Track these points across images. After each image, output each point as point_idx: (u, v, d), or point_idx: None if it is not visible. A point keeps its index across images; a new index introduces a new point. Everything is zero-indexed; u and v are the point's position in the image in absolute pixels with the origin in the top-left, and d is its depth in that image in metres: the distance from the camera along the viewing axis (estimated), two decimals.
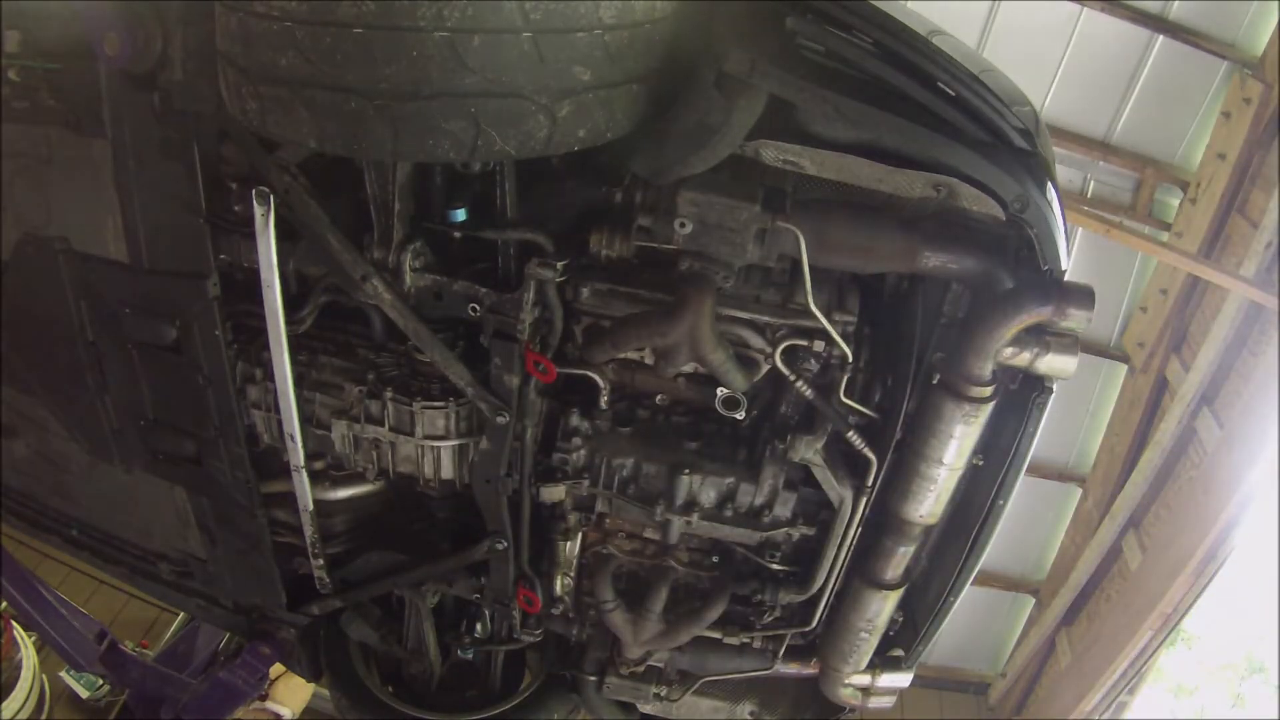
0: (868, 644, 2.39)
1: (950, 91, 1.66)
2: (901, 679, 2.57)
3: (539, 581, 2.44)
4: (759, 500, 2.20)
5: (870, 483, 2.07)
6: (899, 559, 2.20)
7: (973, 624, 7.86)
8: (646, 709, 2.74)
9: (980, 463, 2.06)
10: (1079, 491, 7.40)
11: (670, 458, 2.19)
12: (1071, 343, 1.86)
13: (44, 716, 5.83)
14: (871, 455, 2.04)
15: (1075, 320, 1.80)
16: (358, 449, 2.24)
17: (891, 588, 2.25)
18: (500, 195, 1.90)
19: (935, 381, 1.97)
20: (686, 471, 2.15)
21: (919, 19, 1.85)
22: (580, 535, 2.35)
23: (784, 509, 2.21)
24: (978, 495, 2.11)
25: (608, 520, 2.34)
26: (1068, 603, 7.30)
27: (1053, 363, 1.86)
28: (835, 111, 1.65)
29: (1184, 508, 6.17)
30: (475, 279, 1.99)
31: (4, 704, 5.42)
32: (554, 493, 2.23)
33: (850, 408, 2.04)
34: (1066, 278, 1.83)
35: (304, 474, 2.26)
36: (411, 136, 1.51)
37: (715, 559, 2.39)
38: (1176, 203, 6.22)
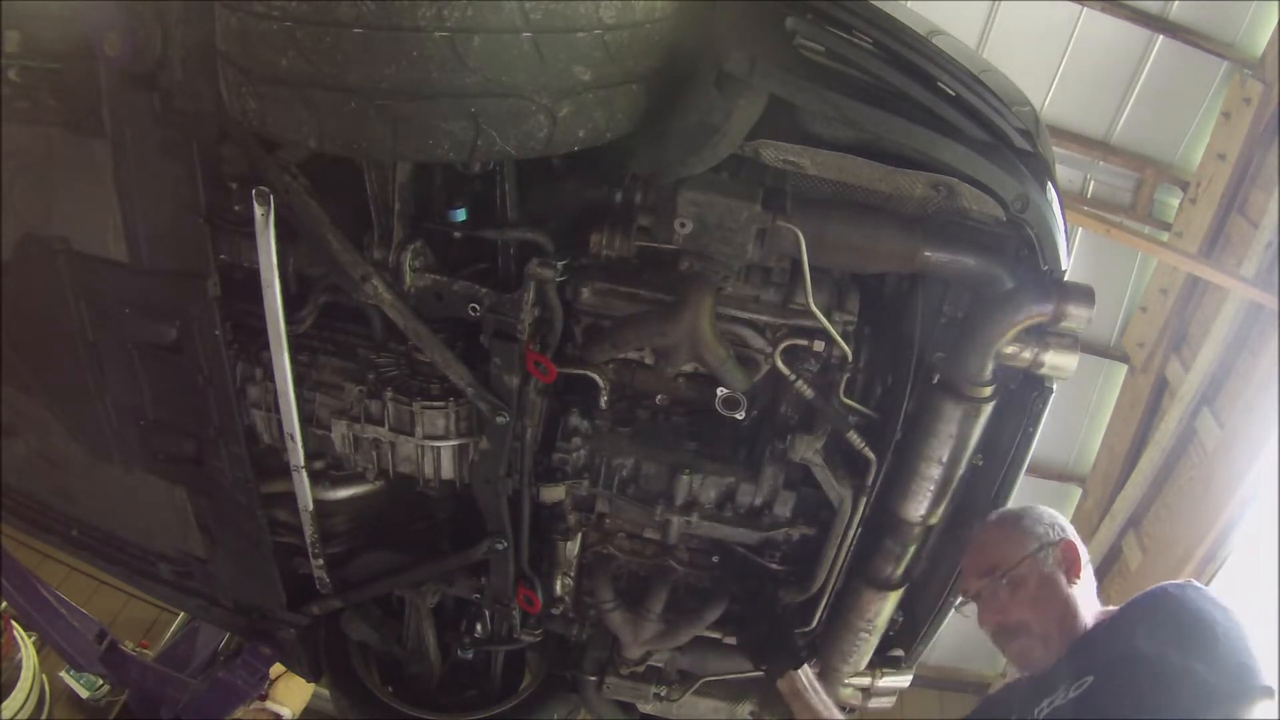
0: (868, 644, 2.39)
1: (950, 91, 1.66)
2: (901, 679, 2.57)
3: (539, 582, 2.43)
4: (759, 500, 2.20)
5: (870, 483, 2.07)
6: (899, 559, 2.20)
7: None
8: (646, 709, 2.74)
9: (980, 463, 2.07)
10: (1079, 491, 7.39)
11: (670, 458, 2.19)
12: (1072, 342, 1.86)
13: (44, 716, 5.82)
14: (871, 455, 2.04)
15: (1075, 320, 1.80)
16: (358, 449, 2.24)
17: (891, 588, 2.25)
18: (500, 195, 1.90)
19: (935, 381, 1.97)
20: (686, 471, 2.15)
21: (919, 19, 1.85)
22: (580, 535, 2.35)
23: (784, 509, 2.21)
24: (978, 495, 2.11)
25: (608, 520, 2.34)
26: None
27: (1053, 362, 1.87)
28: (835, 111, 1.65)
29: (1184, 508, 6.16)
30: (475, 279, 1.99)
31: (4, 704, 5.42)
32: (554, 493, 2.23)
33: (850, 408, 2.04)
34: (1066, 278, 1.83)
35: (304, 474, 2.26)
36: (411, 136, 1.51)
37: (715, 559, 2.39)
38: (1176, 203, 6.21)
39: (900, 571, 2.23)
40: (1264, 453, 5.40)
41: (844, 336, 1.98)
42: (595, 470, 2.21)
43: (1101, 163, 6.13)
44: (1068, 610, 1.94)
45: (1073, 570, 1.95)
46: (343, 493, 2.44)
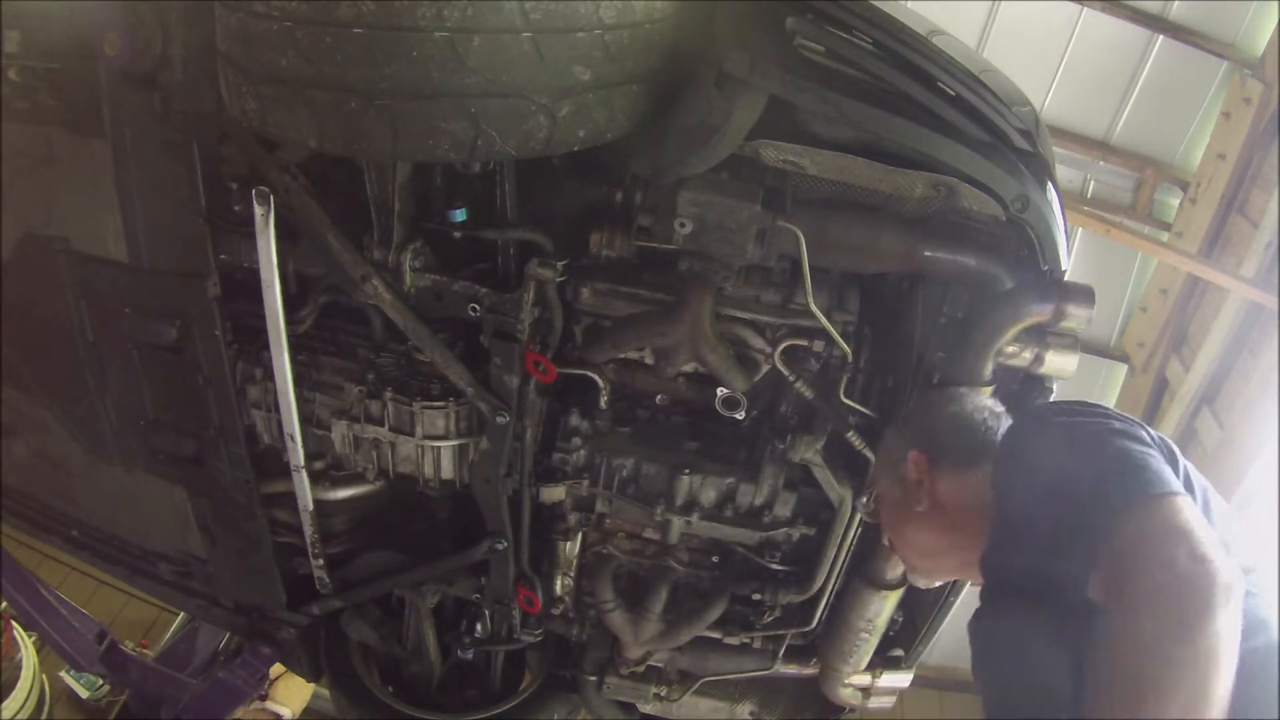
0: (868, 644, 2.39)
1: (950, 91, 1.66)
2: (901, 679, 2.57)
3: (539, 582, 2.43)
4: (759, 500, 2.20)
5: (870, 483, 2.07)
6: (899, 559, 2.20)
7: None
8: (646, 709, 2.74)
9: None
10: None
11: (670, 458, 2.19)
12: (1072, 342, 1.86)
13: (44, 716, 5.82)
14: (871, 455, 2.04)
15: (1075, 320, 1.80)
16: (358, 449, 2.24)
17: (891, 588, 2.25)
18: (500, 195, 1.90)
19: (935, 381, 1.97)
20: (686, 471, 2.15)
21: (919, 19, 1.85)
22: (580, 535, 2.35)
23: (784, 509, 2.21)
24: None
25: (608, 520, 2.34)
26: None
27: (1053, 362, 1.87)
28: (836, 111, 1.65)
29: None
30: (475, 279, 1.99)
31: (4, 704, 5.42)
32: (554, 493, 2.23)
33: (850, 408, 2.04)
34: (1066, 278, 1.83)
35: (304, 474, 2.26)
36: (411, 136, 1.51)
37: (715, 559, 2.39)
38: (1176, 203, 6.21)
39: (900, 571, 2.22)
40: (1264, 453, 5.40)
41: (844, 336, 1.98)
42: (595, 470, 2.21)
43: (1101, 163, 6.13)
44: (958, 515, 1.61)
45: (922, 478, 1.66)
46: (343, 493, 2.44)
